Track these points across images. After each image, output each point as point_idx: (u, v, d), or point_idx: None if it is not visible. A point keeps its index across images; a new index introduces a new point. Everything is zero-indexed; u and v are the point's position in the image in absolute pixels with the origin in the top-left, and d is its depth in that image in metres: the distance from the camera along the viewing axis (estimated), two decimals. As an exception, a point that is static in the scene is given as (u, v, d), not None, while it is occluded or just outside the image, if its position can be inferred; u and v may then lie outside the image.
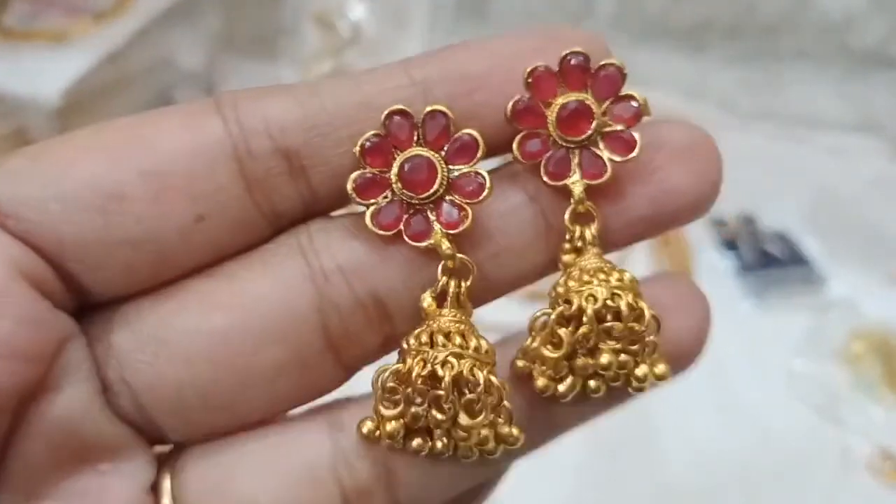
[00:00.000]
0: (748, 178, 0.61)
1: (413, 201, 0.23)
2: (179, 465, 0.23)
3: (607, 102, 0.23)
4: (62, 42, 0.70)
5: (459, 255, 0.22)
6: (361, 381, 0.24)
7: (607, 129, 0.23)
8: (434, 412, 0.22)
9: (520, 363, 0.23)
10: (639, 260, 0.70)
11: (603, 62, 0.23)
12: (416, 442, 0.22)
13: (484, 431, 0.22)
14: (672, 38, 0.88)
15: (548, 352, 0.22)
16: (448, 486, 0.24)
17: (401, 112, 0.22)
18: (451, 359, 0.22)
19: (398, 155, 0.23)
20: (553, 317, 0.23)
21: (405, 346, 0.22)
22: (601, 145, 0.23)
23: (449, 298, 0.23)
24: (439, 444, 0.22)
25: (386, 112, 0.22)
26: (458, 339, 0.22)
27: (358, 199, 0.22)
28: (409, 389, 0.22)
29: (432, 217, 0.23)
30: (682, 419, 0.60)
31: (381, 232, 0.22)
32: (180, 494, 0.23)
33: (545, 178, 0.23)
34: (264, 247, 0.23)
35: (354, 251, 0.23)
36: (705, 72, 0.88)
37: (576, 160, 0.23)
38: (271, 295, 0.22)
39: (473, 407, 0.22)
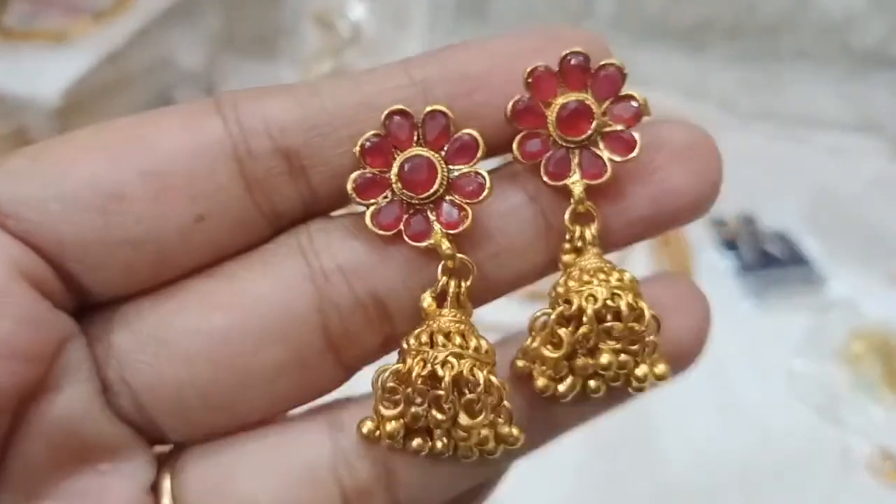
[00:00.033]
0: (748, 178, 0.61)
1: (413, 201, 0.23)
2: (179, 465, 0.23)
3: (607, 102, 0.23)
4: (62, 42, 0.70)
5: (459, 255, 0.22)
6: (361, 381, 0.24)
7: (607, 129, 0.23)
8: (434, 412, 0.22)
9: (520, 363, 0.23)
10: (639, 260, 0.69)
11: (603, 62, 0.23)
12: (416, 442, 0.22)
13: (484, 431, 0.22)
14: (672, 38, 0.88)
15: (548, 352, 0.22)
16: (448, 486, 0.24)
17: (401, 112, 0.22)
18: (451, 359, 0.22)
19: (398, 155, 0.23)
20: (553, 317, 0.22)
21: (405, 346, 0.22)
22: (601, 145, 0.23)
23: (449, 298, 0.23)
24: (439, 444, 0.22)
25: (386, 112, 0.22)
26: (458, 339, 0.22)
27: (358, 199, 0.22)
28: (409, 389, 0.22)
29: (432, 217, 0.23)
30: (682, 419, 0.60)
31: (381, 232, 0.22)
32: (180, 494, 0.23)
33: (545, 178, 0.23)
34: (264, 247, 0.23)
35: (354, 251, 0.23)
36: (705, 72, 0.88)
37: (576, 160, 0.23)
38: (271, 295, 0.22)
39: (473, 407, 0.22)
